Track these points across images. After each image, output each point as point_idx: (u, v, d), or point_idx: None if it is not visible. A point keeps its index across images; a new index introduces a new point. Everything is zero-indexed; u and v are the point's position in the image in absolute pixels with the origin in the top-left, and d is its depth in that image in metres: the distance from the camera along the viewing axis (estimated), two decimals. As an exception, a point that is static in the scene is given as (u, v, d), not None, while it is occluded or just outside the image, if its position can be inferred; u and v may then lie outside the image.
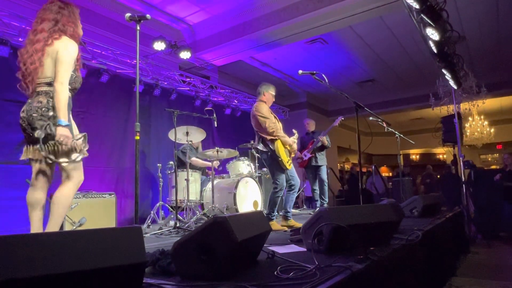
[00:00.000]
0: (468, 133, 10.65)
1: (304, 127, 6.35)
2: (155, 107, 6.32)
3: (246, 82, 9.65)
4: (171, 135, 4.70)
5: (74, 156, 2.42)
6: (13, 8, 4.72)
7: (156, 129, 6.28)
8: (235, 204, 4.90)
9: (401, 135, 5.78)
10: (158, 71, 6.36)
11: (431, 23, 4.06)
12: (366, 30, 7.10)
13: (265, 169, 6.53)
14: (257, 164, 5.92)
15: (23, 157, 2.43)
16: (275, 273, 1.54)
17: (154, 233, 3.83)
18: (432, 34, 4.25)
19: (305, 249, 2.19)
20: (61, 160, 2.36)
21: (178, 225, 4.04)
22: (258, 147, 4.06)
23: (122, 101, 5.79)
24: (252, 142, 5.99)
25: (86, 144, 2.50)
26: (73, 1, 2.66)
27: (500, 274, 3.67)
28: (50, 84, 2.41)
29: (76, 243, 1.07)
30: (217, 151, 4.96)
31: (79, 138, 2.44)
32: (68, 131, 2.34)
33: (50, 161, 2.35)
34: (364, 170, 9.90)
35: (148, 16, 2.73)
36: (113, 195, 4.56)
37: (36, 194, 2.44)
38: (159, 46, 6.18)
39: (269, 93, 4.20)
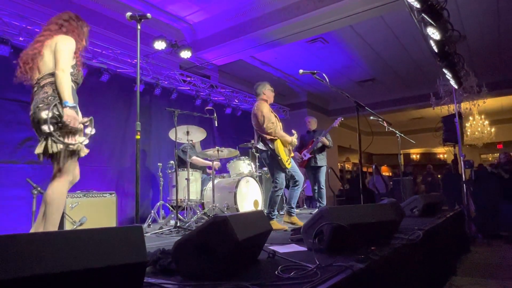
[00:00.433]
0: (468, 133, 10.64)
1: (305, 125, 6.14)
2: (156, 107, 6.32)
3: (247, 82, 9.64)
4: (171, 135, 4.70)
5: (80, 139, 2.43)
6: (13, 7, 4.72)
7: (157, 129, 6.28)
8: (235, 203, 4.90)
9: (402, 135, 5.77)
10: (159, 70, 6.36)
11: (432, 22, 4.05)
12: (367, 30, 7.09)
13: (265, 168, 6.52)
14: (257, 164, 5.92)
15: (37, 151, 2.40)
16: (276, 272, 1.54)
17: (155, 233, 3.84)
18: (433, 33, 4.24)
19: (305, 249, 2.19)
20: (68, 141, 2.35)
21: (178, 224, 4.04)
22: (258, 146, 4.07)
23: (123, 100, 5.80)
24: (252, 141, 5.99)
25: (92, 128, 2.50)
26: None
27: (501, 274, 3.67)
28: (53, 74, 2.43)
29: (76, 243, 1.06)
30: (218, 151, 4.96)
31: (86, 122, 2.45)
32: (74, 113, 2.35)
33: (56, 143, 2.32)
34: (367, 170, 9.87)
35: (148, 15, 2.73)
36: (113, 195, 4.57)
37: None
38: (160, 45, 6.18)
39: (267, 90, 4.21)
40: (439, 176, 11.41)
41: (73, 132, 2.39)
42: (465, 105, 8.37)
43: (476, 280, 3.36)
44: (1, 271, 0.89)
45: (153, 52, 6.48)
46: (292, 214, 4.19)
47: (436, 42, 4.47)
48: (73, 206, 4.03)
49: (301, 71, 3.45)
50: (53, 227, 2.37)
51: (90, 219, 3.96)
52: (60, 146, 2.35)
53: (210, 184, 5.18)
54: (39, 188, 3.63)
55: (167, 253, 1.68)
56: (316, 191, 5.72)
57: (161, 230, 3.92)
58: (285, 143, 4.04)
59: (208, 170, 5.87)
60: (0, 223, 4.14)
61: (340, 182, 11.18)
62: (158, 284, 1.40)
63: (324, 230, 1.96)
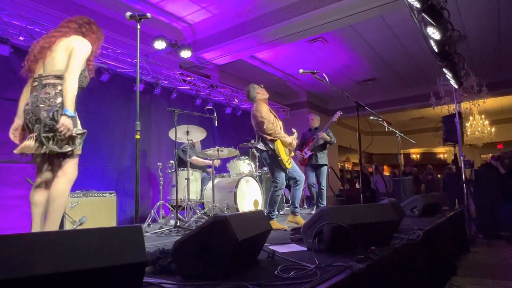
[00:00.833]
0: (468, 133, 10.64)
1: (308, 122, 5.97)
2: (156, 106, 6.32)
3: (247, 81, 9.61)
4: (171, 134, 4.70)
5: (65, 148, 2.37)
6: (14, 7, 4.73)
7: (157, 128, 6.28)
8: (235, 203, 4.90)
9: (402, 135, 5.77)
10: (159, 70, 6.36)
11: (432, 22, 4.05)
12: (367, 29, 7.09)
13: (265, 168, 6.51)
14: (257, 163, 5.92)
15: (17, 151, 2.41)
16: (276, 272, 1.53)
17: (155, 232, 3.84)
18: (433, 33, 4.24)
19: (305, 249, 2.19)
20: (52, 148, 2.31)
21: (178, 224, 4.04)
22: (258, 146, 4.07)
23: (123, 100, 5.79)
24: (252, 141, 5.98)
25: (81, 141, 2.45)
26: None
27: (501, 274, 3.67)
28: (59, 77, 2.40)
29: (76, 242, 1.06)
30: (218, 150, 4.96)
31: (78, 134, 2.41)
32: (71, 123, 2.32)
33: (42, 145, 2.30)
34: (373, 170, 9.86)
35: (148, 15, 2.73)
36: (113, 194, 4.56)
37: (39, 189, 2.44)
38: (160, 45, 6.17)
39: (258, 90, 4.16)
40: (439, 176, 11.42)
41: (64, 139, 2.35)
42: (465, 105, 8.38)
43: (476, 280, 3.36)
44: (1, 271, 0.89)
45: (153, 51, 6.48)
46: (297, 214, 4.21)
47: (436, 42, 4.47)
48: (73, 205, 4.03)
49: (301, 70, 3.45)
50: (55, 225, 2.36)
51: (90, 219, 3.96)
52: (48, 149, 2.32)
53: (210, 184, 5.18)
54: (39, 188, 3.62)
55: (166, 253, 1.68)
56: (316, 191, 5.56)
57: (161, 230, 3.92)
58: (285, 143, 4.05)
59: (208, 169, 5.87)
60: (0, 223, 4.14)
61: (340, 182, 11.19)
62: (158, 284, 1.40)
63: (324, 230, 1.96)
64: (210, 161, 5.17)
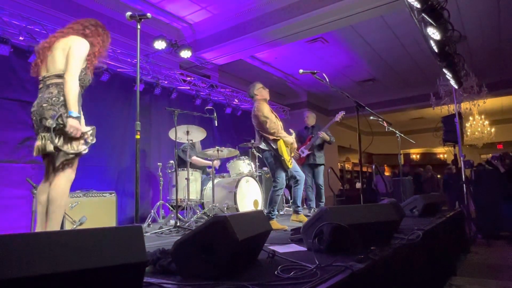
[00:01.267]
0: (468, 133, 10.64)
1: (303, 120, 5.90)
2: (156, 106, 6.32)
3: (247, 81, 9.63)
4: (171, 134, 4.70)
5: (81, 148, 2.46)
6: (14, 6, 4.72)
7: (157, 128, 6.28)
8: (235, 203, 4.90)
9: (402, 135, 5.77)
10: (159, 70, 6.36)
11: (432, 22, 4.05)
12: (367, 30, 7.09)
13: (265, 168, 6.51)
14: (257, 163, 5.92)
15: (35, 153, 2.44)
16: (276, 272, 1.54)
17: (155, 232, 3.83)
18: (433, 33, 4.24)
19: (305, 249, 2.19)
20: (68, 150, 2.39)
21: (178, 224, 4.04)
22: (260, 146, 4.08)
23: (123, 100, 5.79)
24: (252, 141, 5.98)
25: (94, 138, 2.55)
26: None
27: (500, 274, 3.67)
28: (60, 76, 2.44)
29: (76, 242, 1.06)
30: (218, 150, 4.96)
31: (88, 131, 2.50)
32: (78, 123, 2.38)
33: (58, 151, 2.36)
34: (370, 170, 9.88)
35: (148, 15, 2.73)
36: (113, 194, 4.57)
37: (44, 188, 2.48)
38: (160, 45, 6.17)
39: (259, 90, 4.19)
40: (438, 176, 11.42)
41: (76, 138, 2.43)
42: (465, 105, 8.39)
43: (476, 280, 3.36)
44: (1, 271, 0.89)
45: (153, 51, 6.48)
46: (299, 212, 4.26)
47: (436, 42, 4.47)
48: (73, 205, 4.03)
49: (301, 71, 3.45)
50: (56, 225, 2.39)
51: (90, 219, 3.96)
52: (61, 149, 2.37)
53: (210, 184, 5.18)
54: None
55: (166, 253, 1.68)
56: (315, 190, 5.56)
57: (161, 230, 3.91)
58: (286, 143, 4.07)
59: (208, 170, 5.87)
60: (0, 223, 4.14)
61: (340, 182, 11.19)
62: (158, 284, 1.40)
63: (324, 230, 1.96)
64: (210, 162, 5.17)
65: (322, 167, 5.58)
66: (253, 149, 6.00)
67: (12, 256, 0.92)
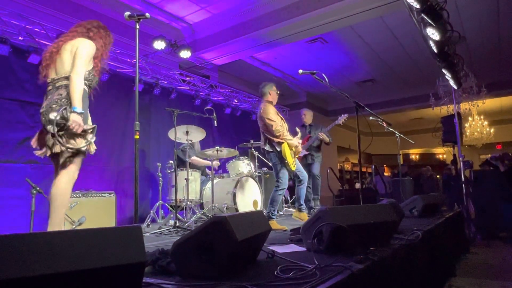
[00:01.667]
0: (468, 133, 10.65)
1: (300, 118, 5.83)
2: (155, 106, 6.32)
3: (246, 82, 9.65)
4: (171, 134, 4.70)
5: (81, 144, 2.49)
6: (13, 6, 4.72)
7: (156, 128, 6.28)
8: (235, 203, 4.90)
9: (401, 135, 5.77)
10: (158, 70, 6.36)
11: (432, 23, 4.05)
12: (366, 30, 7.10)
13: (265, 168, 6.52)
14: (257, 164, 5.91)
15: (40, 154, 2.50)
16: (275, 273, 1.53)
17: (154, 233, 3.83)
18: (433, 34, 4.24)
19: (305, 249, 2.19)
20: (68, 145, 2.43)
21: (177, 224, 4.03)
22: (265, 148, 4.17)
23: (122, 100, 5.78)
24: (252, 141, 6.00)
25: (94, 136, 2.59)
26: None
27: (500, 274, 3.67)
28: (68, 78, 2.50)
29: (75, 243, 1.06)
30: (217, 151, 4.96)
31: (89, 129, 2.54)
32: (80, 119, 2.43)
33: (58, 144, 2.40)
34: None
35: (147, 15, 2.73)
36: (112, 194, 4.56)
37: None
38: (159, 45, 6.17)
39: (273, 91, 4.30)
40: (437, 176, 11.42)
41: (77, 135, 2.46)
42: (464, 106, 8.40)
43: (475, 281, 3.36)
44: (1, 271, 0.89)
45: (153, 52, 6.48)
46: (302, 210, 4.37)
47: (436, 42, 4.47)
48: (72, 205, 4.03)
49: (300, 71, 3.46)
50: (57, 224, 2.44)
51: (89, 219, 3.96)
52: (62, 147, 2.41)
53: (209, 184, 5.18)
54: (38, 188, 3.62)
55: (166, 253, 1.68)
56: (311, 188, 5.49)
57: (160, 230, 3.91)
58: (291, 145, 4.15)
59: (207, 171, 5.86)
60: (0, 223, 4.14)
61: (340, 183, 11.19)
62: (157, 284, 1.40)
63: (323, 230, 1.96)
64: (210, 162, 5.17)
65: (317, 162, 5.62)
66: (253, 149, 6.01)
67: (11, 256, 0.92)
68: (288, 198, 6.85)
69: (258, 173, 5.90)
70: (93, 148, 2.63)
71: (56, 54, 2.57)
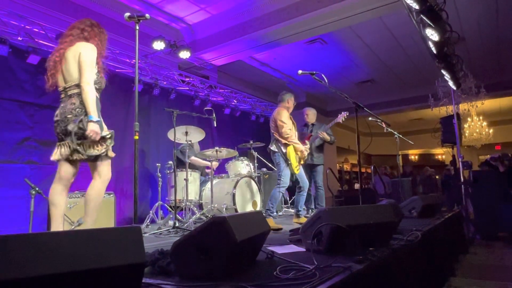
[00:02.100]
0: (467, 134, 10.66)
1: (303, 117, 5.61)
2: (155, 107, 6.31)
3: (246, 82, 9.64)
4: (170, 135, 4.69)
5: (101, 150, 2.61)
6: (12, 7, 4.71)
7: (156, 129, 6.27)
8: (234, 204, 4.89)
9: (400, 136, 5.78)
10: (158, 70, 6.35)
11: (431, 24, 4.06)
12: (366, 31, 7.10)
13: (264, 169, 6.52)
14: (256, 164, 5.91)
15: (54, 158, 2.60)
16: (275, 273, 1.54)
17: (153, 233, 3.83)
18: (432, 34, 4.25)
19: (304, 249, 2.19)
20: (88, 153, 2.55)
21: (177, 225, 4.03)
22: (271, 148, 4.38)
23: (121, 100, 5.78)
24: (251, 142, 6.03)
25: (112, 141, 2.71)
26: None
27: (499, 275, 3.67)
28: (78, 85, 2.57)
29: (75, 243, 1.06)
30: (216, 151, 4.96)
31: (107, 135, 2.65)
32: (98, 127, 2.52)
33: (78, 154, 2.52)
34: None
35: (147, 15, 2.73)
36: (112, 195, 4.56)
37: (60, 192, 2.60)
38: (159, 45, 6.16)
39: (291, 100, 4.65)
40: (437, 177, 11.44)
41: (96, 142, 2.58)
42: (463, 106, 8.40)
43: (474, 281, 3.36)
44: (1, 271, 0.89)
45: (152, 52, 6.47)
46: (300, 215, 4.55)
47: (435, 43, 4.48)
48: (71, 206, 4.02)
49: (300, 71, 3.47)
50: (92, 223, 2.55)
51: (88, 220, 3.94)
52: (82, 156, 2.55)
53: (208, 185, 5.17)
54: (37, 188, 3.62)
55: (165, 254, 1.68)
56: (313, 191, 5.32)
57: (159, 231, 3.91)
58: (297, 149, 4.37)
59: (206, 170, 5.86)
60: (-1, 223, 4.13)
61: (339, 183, 11.18)
62: (157, 285, 1.40)
63: (323, 231, 1.96)
64: (209, 162, 5.16)
65: (321, 167, 5.33)
66: (252, 150, 6.02)
67: (11, 256, 0.92)
68: (288, 198, 6.85)
69: (258, 173, 5.90)
70: (111, 153, 2.73)
71: (59, 63, 2.61)
